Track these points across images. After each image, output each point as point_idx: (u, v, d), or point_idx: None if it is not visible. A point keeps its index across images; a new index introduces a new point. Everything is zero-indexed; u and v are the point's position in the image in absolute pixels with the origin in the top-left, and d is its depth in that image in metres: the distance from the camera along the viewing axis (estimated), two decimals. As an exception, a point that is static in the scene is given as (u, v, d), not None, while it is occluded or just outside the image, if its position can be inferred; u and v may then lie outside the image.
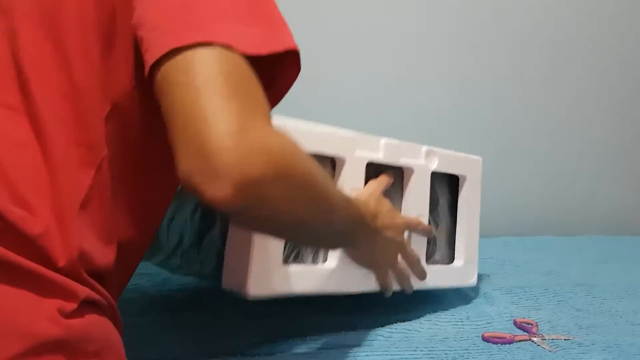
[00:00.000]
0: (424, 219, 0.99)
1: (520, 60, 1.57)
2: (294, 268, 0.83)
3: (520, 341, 0.99)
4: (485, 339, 0.98)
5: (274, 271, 0.79)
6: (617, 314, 1.12)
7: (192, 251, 0.89)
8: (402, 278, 0.94)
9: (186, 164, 0.51)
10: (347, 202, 0.69)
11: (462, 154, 1.09)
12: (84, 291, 0.56)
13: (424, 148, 1.01)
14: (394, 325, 1.00)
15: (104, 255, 0.61)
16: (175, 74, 0.54)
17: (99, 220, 0.61)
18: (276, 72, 0.61)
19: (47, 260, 0.54)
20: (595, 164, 1.67)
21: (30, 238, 0.53)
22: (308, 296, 0.85)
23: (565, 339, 1.00)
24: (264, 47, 0.57)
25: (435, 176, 1.03)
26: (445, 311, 1.08)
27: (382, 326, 0.99)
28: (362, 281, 0.90)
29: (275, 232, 0.64)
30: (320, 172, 0.60)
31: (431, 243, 1.04)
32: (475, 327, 1.03)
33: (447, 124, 1.48)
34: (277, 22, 0.61)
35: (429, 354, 0.92)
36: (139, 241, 0.70)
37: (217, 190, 0.50)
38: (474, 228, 1.10)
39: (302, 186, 0.57)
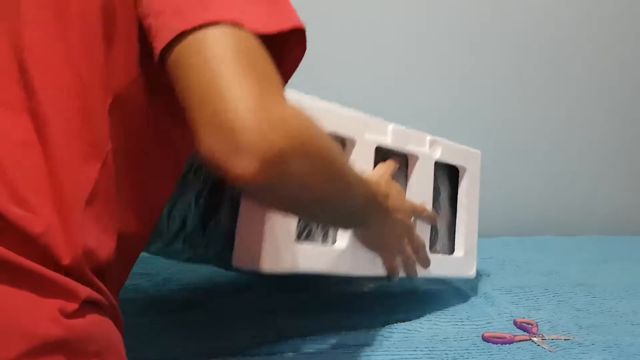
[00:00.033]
0: (428, 206, 1.00)
1: (520, 60, 1.57)
2: (306, 246, 0.82)
3: (520, 341, 0.99)
4: (485, 339, 0.98)
5: (287, 248, 0.79)
6: (617, 314, 1.12)
7: (196, 235, 0.89)
8: (408, 262, 0.93)
9: (209, 143, 0.51)
10: (361, 180, 0.69)
11: (463, 146, 1.09)
12: (85, 291, 0.56)
13: (429, 137, 1.01)
14: (394, 325, 1.00)
15: (106, 249, 0.61)
16: (187, 56, 0.54)
17: (103, 214, 0.61)
18: (283, 51, 0.61)
19: (49, 259, 0.54)
20: (595, 164, 1.67)
21: (31, 237, 0.53)
22: (317, 275, 0.85)
23: (565, 339, 1.00)
24: (272, 25, 0.57)
25: (437, 167, 1.04)
26: (445, 311, 1.08)
27: (382, 326, 0.99)
28: (369, 265, 0.89)
29: (294, 209, 0.63)
30: (337, 149, 0.60)
31: (433, 232, 1.04)
32: (475, 327, 1.03)
33: (447, 123, 1.47)
34: (281, 1, 0.60)
35: (429, 354, 0.92)
36: (140, 233, 0.70)
37: (243, 167, 0.50)
38: (473, 220, 1.10)
39: (322, 161, 0.57)
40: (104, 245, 0.61)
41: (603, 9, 1.58)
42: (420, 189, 0.99)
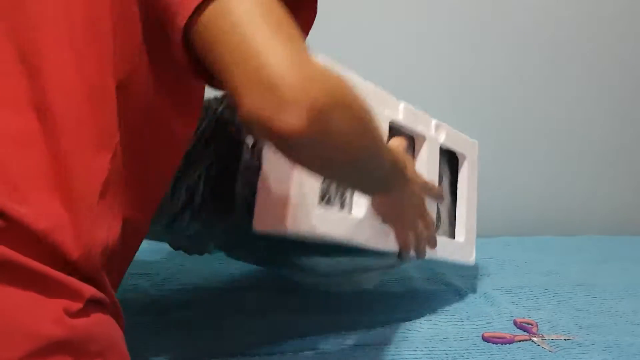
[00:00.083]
0: None
1: (520, 60, 1.56)
2: (327, 211, 0.82)
3: (520, 341, 0.99)
4: (485, 339, 0.99)
5: (311, 210, 0.78)
6: (617, 314, 1.12)
7: (206, 207, 0.88)
8: (420, 239, 0.92)
9: (252, 101, 0.52)
10: (386, 144, 0.70)
11: (463, 135, 1.10)
12: (89, 290, 0.56)
13: (434, 121, 1.02)
14: (394, 325, 1.00)
15: (113, 240, 0.61)
16: (215, 22, 0.54)
17: (113, 204, 0.61)
18: (296, 13, 0.61)
19: (55, 256, 0.54)
20: (595, 164, 1.67)
21: (36, 234, 0.53)
22: (337, 244, 0.83)
23: (565, 339, 1.00)
24: None
25: (439, 153, 1.04)
26: (445, 311, 1.08)
27: (382, 326, 0.99)
28: (384, 238, 0.88)
29: (329, 168, 0.62)
30: (369, 108, 0.60)
31: (436, 215, 1.04)
32: (475, 327, 1.03)
33: (447, 123, 1.47)
34: None
35: (429, 354, 0.93)
36: (141, 222, 0.70)
37: (289, 121, 0.51)
38: (472, 208, 1.10)
39: (358, 118, 0.58)
40: (112, 236, 0.61)
41: (603, 9, 1.58)
42: (426, 170, 0.99)
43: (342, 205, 0.87)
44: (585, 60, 1.60)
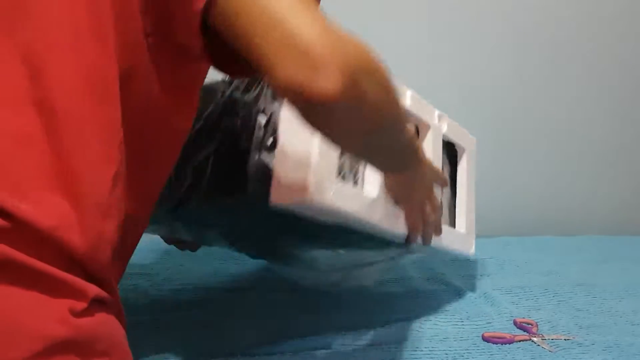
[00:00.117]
0: None
1: (520, 60, 1.56)
2: (344, 187, 0.81)
3: (520, 341, 0.99)
4: (485, 339, 0.99)
5: (329, 185, 0.78)
6: (617, 314, 1.12)
7: (217, 187, 0.87)
8: (428, 223, 0.91)
9: (285, 69, 0.52)
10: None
11: (463, 128, 1.10)
12: (93, 290, 0.56)
13: (437, 111, 1.02)
14: (394, 325, 1.00)
15: (117, 234, 0.61)
16: None
17: (120, 201, 0.61)
18: None
19: (61, 254, 0.54)
20: (595, 164, 1.67)
21: (41, 233, 0.53)
22: (350, 223, 0.83)
23: (565, 339, 1.00)
24: None
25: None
26: (445, 311, 1.08)
27: (382, 326, 0.99)
28: (394, 220, 0.88)
29: (353, 136, 0.62)
30: (391, 76, 0.61)
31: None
32: (475, 327, 1.03)
33: (447, 124, 1.48)
34: None
35: (429, 354, 0.93)
36: (141, 216, 0.71)
37: (324, 84, 0.51)
38: (471, 201, 1.10)
39: (383, 83, 0.58)
40: (119, 232, 0.61)
41: (603, 9, 1.58)
42: (431, 158, 0.98)
43: (354, 183, 0.86)
44: (586, 60, 1.60)
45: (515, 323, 1.05)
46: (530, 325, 1.04)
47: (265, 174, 0.80)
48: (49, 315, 0.52)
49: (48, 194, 0.55)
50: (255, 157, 0.82)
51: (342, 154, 0.81)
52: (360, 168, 0.86)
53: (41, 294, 0.52)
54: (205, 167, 0.87)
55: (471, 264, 1.31)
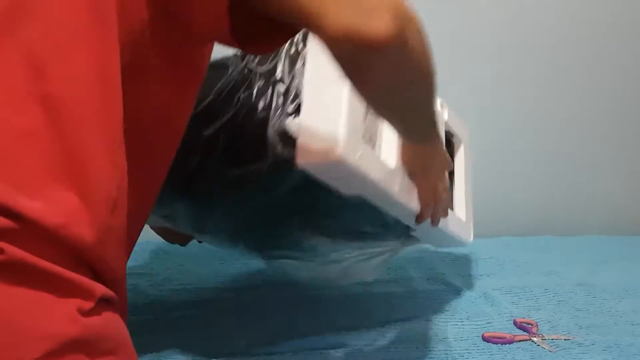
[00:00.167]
0: None
1: (521, 60, 1.56)
2: (369, 151, 0.80)
3: (520, 341, 0.99)
4: (485, 339, 0.99)
5: (355, 147, 0.76)
6: (617, 314, 1.12)
7: (237, 154, 0.86)
8: (439, 202, 0.91)
9: (339, 15, 0.54)
10: None
11: (460, 117, 1.10)
12: (100, 289, 0.57)
13: (439, 99, 1.01)
14: (394, 325, 1.00)
15: (122, 229, 0.62)
16: None
17: (125, 193, 0.61)
18: None
19: (70, 251, 0.54)
20: (595, 164, 1.66)
21: (50, 230, 0.53)
22: (371, 189, 0.81)
23: (565, 339, 1.00)
24: None
25: None
26: (445, 311, 1.08)
27: (382, 326, 0.99)
28: (408, 195, 0.87)
29: (394, 89, 0.64)
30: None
31: None
32: (475, 327, 1.03)
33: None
34: None
35: (429, 354, 0.93)
36: (142, 212, 0.71)
37: (378, 25, 0.54)
38: (469, 191, 1.10)
39: (424, 35, 0.61)
40: (121, 225, 0.61)
41: (604, 9, 1.58)
42: None
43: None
44: (586, 60, 1.60)
45: (515, 323, 1.05)
46: (530, 325, 1.04)
47: (287, 139, 0.79)
48: (58, 315, 0.52)
49: (58, 189, 0.55)
50: (275, 123, 0.81)
51: (371, 113, 0.79)
52: (378, 138, 0.85)
53: (50, 294, 0.53)
54: (218, 140, 0.86)
55: (471, 264, 1.31)
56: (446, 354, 0.93)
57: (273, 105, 0.82)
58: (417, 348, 0.94)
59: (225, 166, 0.87)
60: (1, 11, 0.58)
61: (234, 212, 0.93)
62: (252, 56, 0.87)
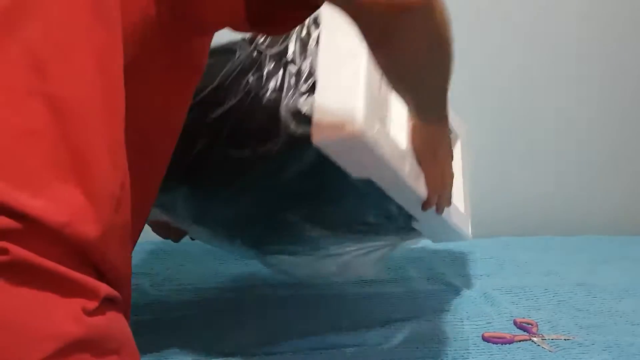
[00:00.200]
0: None
1: (522, 60, 1.56)
2: (384, 129, 0.79)
3: (520, 341, 0.99)
4: (485, 339, 0.99)
5: (371, 124, 0.75)
6: (617, 314, 1.12)
7: (245, 136, 0.85)
8: (445, 191, 0.90)
9: None
10: None
11: (457, 116, 1.10)
12: (104, 289, 0.57)
13: None
14: (394, 325, 1.00)
15: (126, 227, 0.62)
16: None
17: (129, 190, 0.61)
18: None
19: (75, 249, 0.54)
20: (595, 164, 1.66)
21: (55, 229, 0.53)
22: (384, 170, 0.80)
23: (565, 339, 1.00)
24: None
25: None
26: (446, 311, 1.08)
27: (382, 326, 0.99)
28: (416, 179, 0.86)
29: (419, 52, 0.66)
30: None
31: None
32: (475, 327, 1.03)
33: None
34: None
35: (429, 354, 0.93)
36: (144, 207, 0.71)
37: None
38: (467, 186, 1.10)
39: (446, 10, 0.64)
40: (124, 223, 0.61)
41: (604, 9, 1.58)
42: None
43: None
44: (586, 59, 1.60)
45: (515, 323, 1.05)
46: (530, 325, 1.04)
47: (301, 118, 0.78)
48: (62, 315, 0.53)
49: (62, 187, 0.55)
50: (288, 103, 0.81)
51: (387, 87, 0.78)
52: (389, 119, 0.85)
53: (54, 294, 0.53)
54: (225, 122, 0.85)
55: (471, 264, 1.31)
56: (446, 354, 0.93)
57: (285, 86, 0.82)
58: (417, 348, 0.94)
59: (232, 148, 0.85)
60: (1, 11, 0.58)
61: (236, 200, 0.91)
62: (262, 39, 0.87)
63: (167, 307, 1.06)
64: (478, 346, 0.97)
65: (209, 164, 0.87)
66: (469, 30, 1.54)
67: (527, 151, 1.62)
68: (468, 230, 1.09)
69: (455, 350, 0.94)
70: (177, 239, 1.07)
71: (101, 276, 0.58)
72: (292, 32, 0.85)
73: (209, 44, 0.74)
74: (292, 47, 0.84)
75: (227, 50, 0.87)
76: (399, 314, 1.05)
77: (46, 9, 0.58)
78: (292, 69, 0.83)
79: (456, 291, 1.17)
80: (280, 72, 0.83)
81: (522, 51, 1.56)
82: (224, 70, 0.86)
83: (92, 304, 0.55)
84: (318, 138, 0.75)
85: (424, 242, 1.33)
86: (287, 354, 0.91)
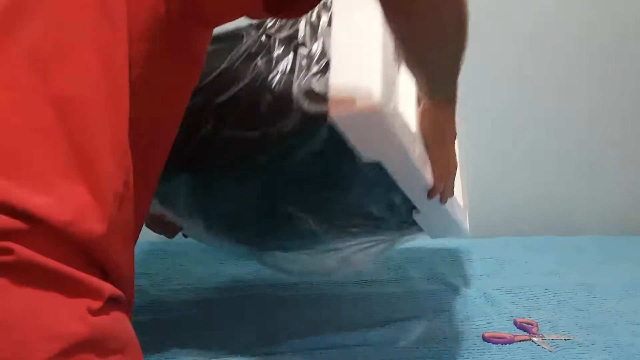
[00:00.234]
0: None
1: (521, 60, 1.56)
2: (397, 107, 0.77)
3: (520, 341, 0.99)
4: (485, 339, 0.99)
5: (390, 98, 0.74)
6: (617, 314, 1.12)
7: (255, 116, 0.84)
8: (450, 179, 0.90)
9: None
10: None
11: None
12: (109, 289, 0.57)
13: None
14: (394, 325, 1.00)
15: (130, 225, 0.62)
16: None
17: (131, 188, 0.62)
18: None
19: (80, 248, 0.54)
20: (596, 164, 1.66)
21: (60, 228, 0.53)
22: (396, 151, 0.79)
23: (565, 339, 1.00)
24: None
25: None
26: (445, 311, 1.08)
27: (382, 326, 0.99)
28: (423, 164, 0.85)
29: (439, 24, 0.67)
30: None
31: None
32: (476, 327, 1.03)
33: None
34: None
35: (429, 354, 0.93)
36: (144, 201, 0.71)
37: None
38: (464, 182, 1.10)
39: None
40: (128, 221, 0.62)
41: (605, 9, 1.58)
42: None
43: None
44: (586, 59, 1.60)
45: (515, 323, 1.05)
46: (530, 325, 1.04)
47: (314, 96, 0.78)
48: (68, 315, 0.53)
49: (67, 184, 0.55)
50: (300, 83, 0.80)
51: (403, 62, 0.77)
52: (398, 101, 0.83)
53: (59, 294, 0.53)
54: (233, 105, 0.84)
55: (471, 264, 1.31)
56: (446, 354, 0.93)
57: (297, 67, 0.81)
58: (417, 348, 0.94)
59: (241, 130, 0.84)
60: (2, 10, 0.58)
61: (239, 187, 0.90)
62: (271, 23, 0.86)
63: (167, 307, 1.06)
64: (478, 346, 0.97)
65: (214, 148, 0.86)
66: (469, 29, 1.54)
67: (527, 151, 1.62)
68: (466, 224, 1.08)
69: (455, 350, 0.94)
70: (171, 235, 1.05)
71: (105, 275, 0.58)
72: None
73: (211, 34, 0.74)
74: (302, 29, 0.83)
75: (234, 36, 0.87)
76: (399, 314, 1.05)
77: (47, 8, 0.58)
78: (303, 51, 0.82)
79: (456, 291, 1.17)
80: (291, 55, 0.82)
81: (522, 51, 1.56)
82: (231, 54, 0.85)
83: (97, 304, 0.55)
84: (335, 112, 0.73)
85: (424, 242, 1.34)
86: (287, 354, 0.91)
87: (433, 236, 1.07)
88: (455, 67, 0.75)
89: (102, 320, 0.55)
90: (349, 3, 0.71)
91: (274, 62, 0.83)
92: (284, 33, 0.85)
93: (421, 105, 0.83)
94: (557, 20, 1.56)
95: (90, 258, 0.56)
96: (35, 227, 0.52)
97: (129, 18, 0.60)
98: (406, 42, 0.70)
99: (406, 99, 0.83)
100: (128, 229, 0.62)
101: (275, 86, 0.82)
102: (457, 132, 1.09)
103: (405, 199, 0.90)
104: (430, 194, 0.87)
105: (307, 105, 0.79)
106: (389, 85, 0.75)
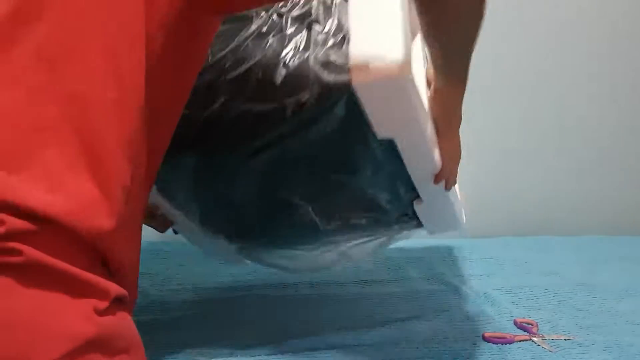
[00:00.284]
0: None
1: (521, 59, 1.56)
2: (415, 78, 0.77)
3: (520, 341, 0.99)
4: (485, 339, 0.99)
5: (411, 68, 0.74)
6: (617, 314, 1.12)
7: (269, 89, 0.82)
8: (455, 165, 0.90)
9: None
10: None
11: None
12: (114, 289, 0.57)
13: None
14: (394, 325, 1.00)
15: (136, 220, 0.62)
16: None
17: (136, 183, 0.62)
18: None
19: (87, 247, 0.55)
20: (596, 164, 1.66)
21: (68, 229, 0.53)
22: (411, 126, 0.79)
23: (565, 339, 1.00)
24: None
25: None
26: (445, 311, 1.08)
27: (382, 326, 0.99)
28: (433, 146, 0.85)
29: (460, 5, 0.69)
30: None
31: None
32: (475, 327, 1.03)
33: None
34: None
35: (429, 354, 0.93)
36: (144, 196, 0.71)
37: None
38: (460, 179, 1.10)
39: None
40: (134, 216, 0.62)
41: (606, 10, 1.58)
42: None
43: None
44: (587, 60, 1.60)
45: (515, 323, 1.05)
46: (530, 325, 1.04)
47: (332, 67, 0.77)
48: (75, 315, 0.53)
49: (76, 180, 0.55)
50: (317, 55, 0.80)
51: (431, 25, 0.77)
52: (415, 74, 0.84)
53: (66, 295, 0.53)
54: (245, 81, 0.83)
55: (471, 264, 1.31)
56: (446, 354, 0.93)
57: (312, 43, 0.81)
58: (417, 348, 0.94)
59: (255, 103, 0.83)
60: (11, 11, 0.58)
61: (244, 170, 0.88)
62: (282, 4, 0.86)
63: (167, 307, 1.06)
64: (478, 346, 0.97)
65: (221, 127, 0.84)
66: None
67: (527, 151, 1.62)
68: (464, 218, 1.08)
69: (455, 350, 0.94)
70: (162, 229, 1.03)
71: (111, 275, 0.58)
72: None
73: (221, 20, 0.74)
74: (315, 7, 0.83)
75: (241, 17, 0.86)
76: (399, 314, 1.05)
77: (55, 9, 0.58)
78: (318, 27, 0.82)
79: (456, 291, 1.17)
80: (305, 32, 0.82)
81: (522, 50, 1.56)
82: (240, 33, 0.85)
83: (103, 304, 0.55)
84: (357, 80, 0.73)
85: (424, 242, 1.34)
86: (287, 354, 0.91)
87: (430, 231, 1.07)
88: (469, 50, 0.76)
89: (109, 320, 0.55)
90: None
91: (287, 39, 0.83)
92: (297, 11, 0.84)
93: (432, 86, 0.84)
94: (559, 19, 1.56)
95: (97, 256, 0.56)
96: (44, 228, 0.52)
97: (147, 13, 0.60)
98: (430, 14, 0.71)
99: (418, 78, 0.83)
100: (134, 222, 0.62)
101: (290, 60, 0.81)
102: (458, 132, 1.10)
103: (409, 189, 0.90)
104: (438, 177, 0.87)
105: (327, 76, 0.78)
106: (409, 55, 0.75)
